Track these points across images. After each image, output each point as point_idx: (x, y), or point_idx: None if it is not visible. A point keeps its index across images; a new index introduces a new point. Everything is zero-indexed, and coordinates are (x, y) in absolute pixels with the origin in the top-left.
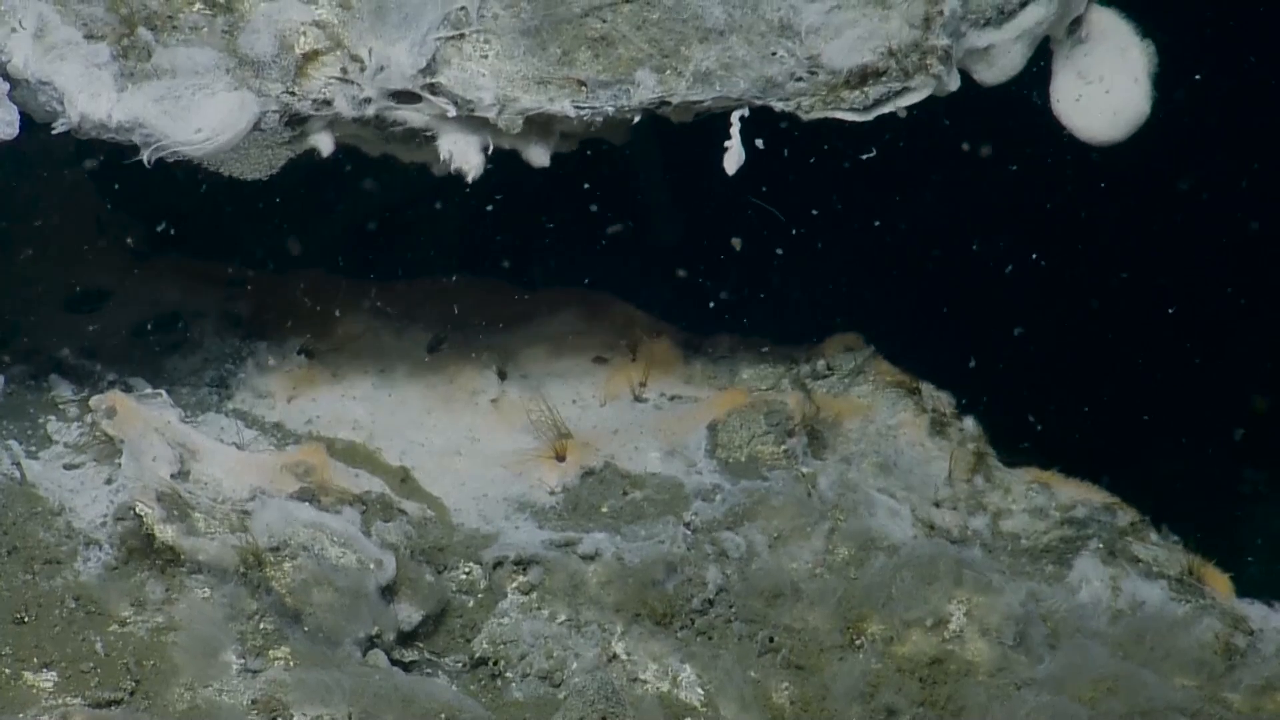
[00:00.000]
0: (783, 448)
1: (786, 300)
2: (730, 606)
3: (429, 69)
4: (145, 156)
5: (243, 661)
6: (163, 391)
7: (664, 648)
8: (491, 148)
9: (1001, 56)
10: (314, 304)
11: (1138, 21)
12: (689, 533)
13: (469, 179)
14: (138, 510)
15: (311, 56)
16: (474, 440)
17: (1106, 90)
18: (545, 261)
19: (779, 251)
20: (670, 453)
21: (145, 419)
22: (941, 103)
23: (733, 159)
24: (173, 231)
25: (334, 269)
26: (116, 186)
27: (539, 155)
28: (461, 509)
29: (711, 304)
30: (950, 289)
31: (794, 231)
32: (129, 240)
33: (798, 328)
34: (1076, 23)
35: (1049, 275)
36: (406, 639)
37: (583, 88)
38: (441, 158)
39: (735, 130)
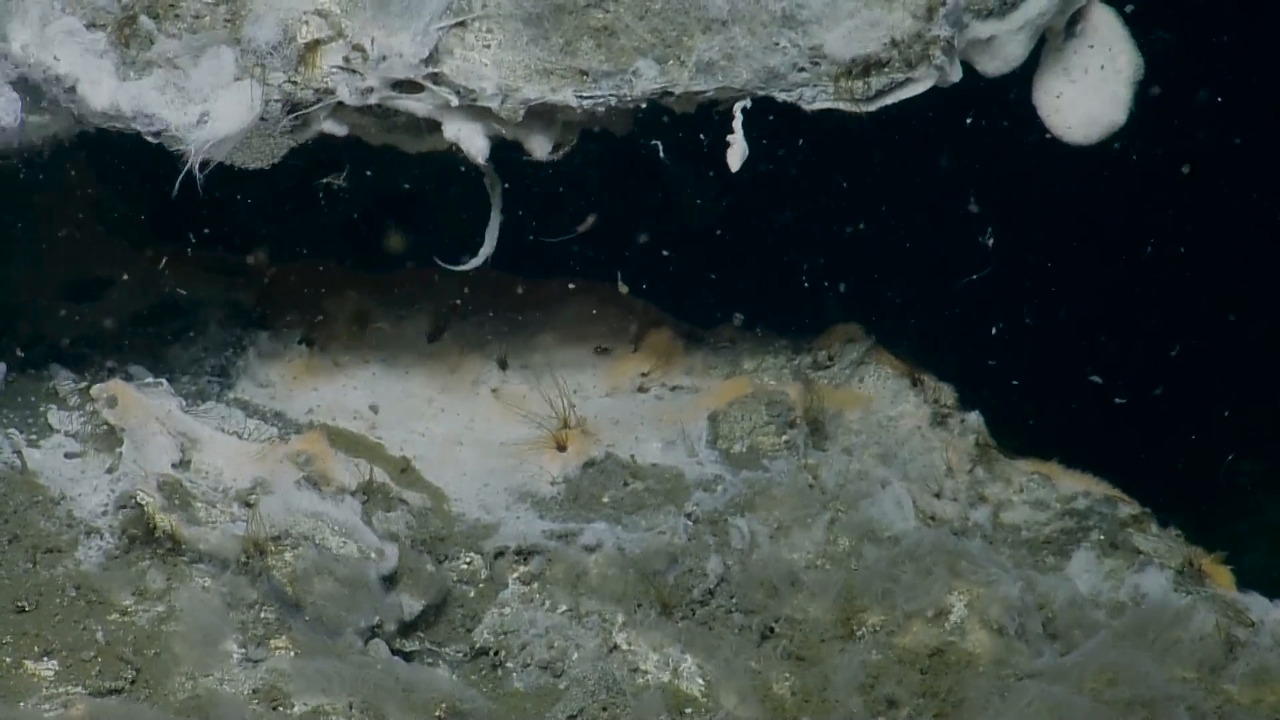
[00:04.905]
0: (784, 438)
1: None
2: (731, 597)
3: (431, 59)
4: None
5: (243, 651)
6: (164, 380)
7: (665, 638)
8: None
9: (1004, 47)
10: (316, 293)
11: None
12: (690, 523)
13: (479, 160)
14: (139, 499)
15: (314, 46)
16: (475, 430)
17: (1086, 92)
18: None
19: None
20: (671, 443)
21: (146, 408)
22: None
23: (736, 154)
24: (173, 219)
25: (337, 258)
26: (118, 175)
27: (540, 145)
28: (462, 499)
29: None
30: (950, 280)
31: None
32: (130, 229)
33: (801, 318)
34: (1075, 18)
35: (1048, 267)
36: (407, 629)
37: (585, 77)
38: (448, 138)
39: (738, 124)
